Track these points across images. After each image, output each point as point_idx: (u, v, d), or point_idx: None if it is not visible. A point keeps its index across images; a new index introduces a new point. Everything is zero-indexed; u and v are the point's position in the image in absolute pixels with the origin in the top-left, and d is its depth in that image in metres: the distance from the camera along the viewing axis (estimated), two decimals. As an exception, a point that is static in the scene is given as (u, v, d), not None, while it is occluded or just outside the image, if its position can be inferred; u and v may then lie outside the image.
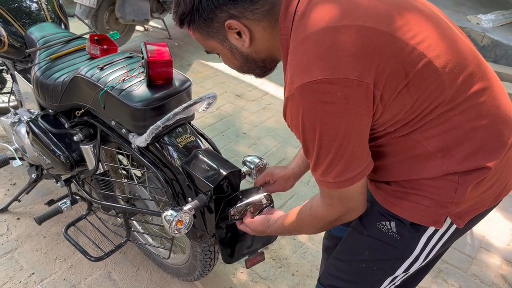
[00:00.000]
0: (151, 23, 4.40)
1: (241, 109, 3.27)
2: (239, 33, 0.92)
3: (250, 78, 3.69)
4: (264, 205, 1.22)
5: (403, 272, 1.06)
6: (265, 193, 1.22)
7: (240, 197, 1.26)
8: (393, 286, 1.12)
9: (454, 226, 0.98)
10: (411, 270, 1.06)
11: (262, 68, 1.02)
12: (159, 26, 4.50)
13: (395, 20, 0.82)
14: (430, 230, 0.98)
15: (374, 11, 0.83)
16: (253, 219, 1.19)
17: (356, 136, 0.83)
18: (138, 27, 4.35)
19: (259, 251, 1.37)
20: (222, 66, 3.88)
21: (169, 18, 4.52)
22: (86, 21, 3.37)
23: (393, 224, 1.00)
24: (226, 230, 1.30)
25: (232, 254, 1.34)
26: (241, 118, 3.16)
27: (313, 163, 0.89)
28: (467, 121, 0.86)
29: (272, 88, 3.60)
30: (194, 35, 0.98)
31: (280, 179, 1.33)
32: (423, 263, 1.05)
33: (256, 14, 0.89)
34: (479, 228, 2.33)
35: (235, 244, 1.34)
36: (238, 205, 1.20)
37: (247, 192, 1.28)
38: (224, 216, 1.25)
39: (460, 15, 4.90)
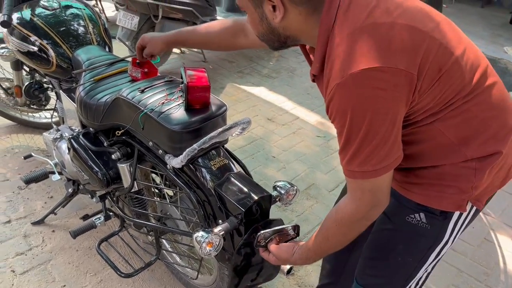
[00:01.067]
0: (187, 46, 4.53)
1: (271, 132, 3.31)
2: (274, 7, 0.95)
3: (281, 102, 3.75)
4: (290, 237, 1.23)
5: (435, 258, 1.15)
6: (293, 224, 1.23)
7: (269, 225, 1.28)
8: (426, 273, 1.21)
9: (474, 208, 1.08)
10: (442, 254, 1.15)
11: (282, 43, 1.06)
12: (195, 50, 4.63)
13: (429, 22, 0.93)
14: (456, 215, 1.07)
15: (412, 12, 0.92)
16: (279, 245, 1.20)
17: (398, 122, 0.91)
18: (175, 50, 4.48)
19: (258, 286, 1.41)
20: (254, 90, 3.94)
21: (204, 41, 4.64)
22: (127, 43, 3.51)
23: (422, 215, 1.08)
24: (242, 259, 1.32)
25: (238, 284, 1.36)
26: (271, 142, 3.19)
27: (352, 153, 0.92)
28: (481, 111, 0.97)
29: (303, 113, 3.63)
30: None
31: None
32: (451, 245, 1.14)
33: None
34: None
35: (244, 275, 1.36)
36: (265, 231, 1.22)
37: (274, 222, 1.31)
38: (244, 244, 1.27)
39: (496, 46, 4.83)
